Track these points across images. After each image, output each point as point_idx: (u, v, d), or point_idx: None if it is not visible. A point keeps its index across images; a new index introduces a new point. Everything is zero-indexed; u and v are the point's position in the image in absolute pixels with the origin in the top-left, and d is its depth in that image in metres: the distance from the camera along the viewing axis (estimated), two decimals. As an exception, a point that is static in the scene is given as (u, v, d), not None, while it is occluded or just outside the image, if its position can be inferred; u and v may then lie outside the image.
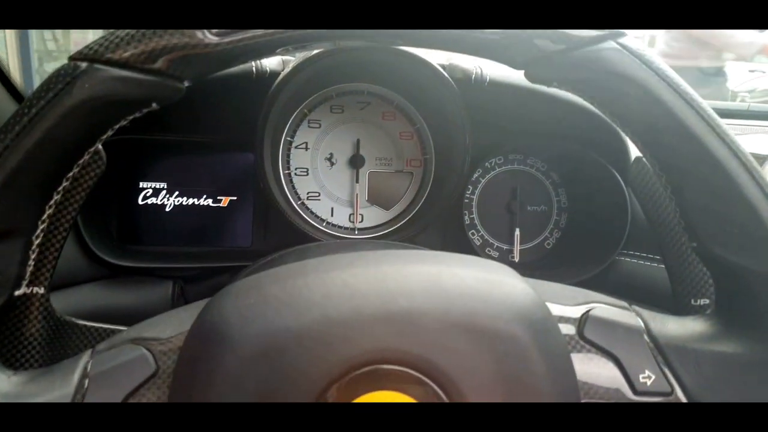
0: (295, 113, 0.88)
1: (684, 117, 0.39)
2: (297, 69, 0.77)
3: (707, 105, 0.40)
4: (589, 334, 0.38)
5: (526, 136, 0.92)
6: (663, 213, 0.45)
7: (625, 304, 0.41)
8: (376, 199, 0.92)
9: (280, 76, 0.77)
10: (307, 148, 0.90)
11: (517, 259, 0.93)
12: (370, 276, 0.35)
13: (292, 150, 0.90)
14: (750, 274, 0.39)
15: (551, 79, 0.42)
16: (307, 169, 0.91)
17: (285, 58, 0.85)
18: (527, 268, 0.93)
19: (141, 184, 0.87)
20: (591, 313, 0.39)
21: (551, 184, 0.96)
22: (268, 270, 0.37)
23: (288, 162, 0.90)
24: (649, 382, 0.37)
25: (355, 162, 0.91)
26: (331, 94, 0.89)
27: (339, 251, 0.43)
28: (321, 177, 0.91)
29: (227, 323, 0.33)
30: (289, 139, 0.89)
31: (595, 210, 0.91)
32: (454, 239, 0.92)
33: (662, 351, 0.39)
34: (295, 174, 0.90)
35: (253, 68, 0.77)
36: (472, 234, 0.93)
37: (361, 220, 0.92)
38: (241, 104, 0.81)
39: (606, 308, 0.40)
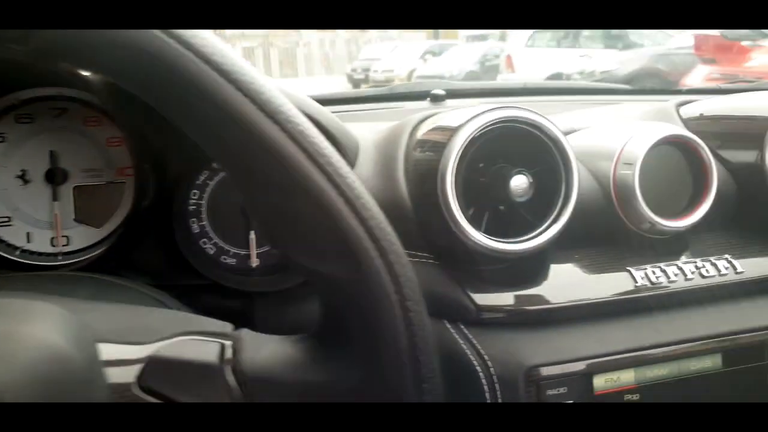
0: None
1: (226, 99, 0.33)
2: None
3: (264, 82, 0.34)
4: (152, 382, 0.30)
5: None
6: None
7: (226, 329, 0.34)
8: (85, 216, 0.81)
9: None
10: (-8, 168, 0.77)
11: (255, 264, 0.86)
12: None
13: None
14: (330, 283, 0.34)
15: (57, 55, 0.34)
16: (-5, 192, 0.78)
17: None
18: (268, 272, 0.87)
19: None
20: (158, 352, 0.31)
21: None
22: None
23: None
24: None
25: (53, 177, 0.79)
26: (14, 102, 0.77)
27: None
28: (12, 198, 0.78)
29: None
30: (-36, 159, 0.76)
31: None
32: (185, 251, 0.83)
33: (244, 388, 0.32)
34: (-23, 199, 0.77)
35: None
36: (204, 243, 0.85)
37: (67, 243, 0.80)
38: None
39: (183, 342, 0.32)
